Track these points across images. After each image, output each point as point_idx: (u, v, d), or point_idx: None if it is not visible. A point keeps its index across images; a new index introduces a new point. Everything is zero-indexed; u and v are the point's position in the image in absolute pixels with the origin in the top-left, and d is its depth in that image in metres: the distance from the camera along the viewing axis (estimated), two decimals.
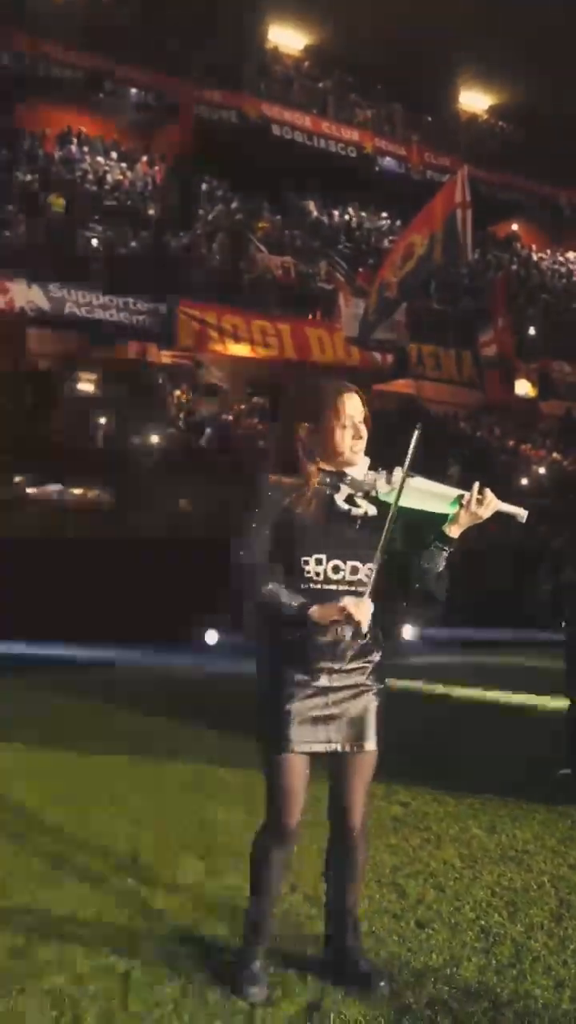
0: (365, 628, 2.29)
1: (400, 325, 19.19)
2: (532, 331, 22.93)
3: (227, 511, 5.76)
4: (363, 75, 25.00)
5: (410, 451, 2.31)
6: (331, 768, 2.46)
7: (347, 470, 2.40)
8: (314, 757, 2.39)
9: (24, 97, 20.26)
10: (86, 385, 17.82)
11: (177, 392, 18.19)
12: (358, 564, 2.36)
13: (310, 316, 19.50)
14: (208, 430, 16.50)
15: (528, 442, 22.76)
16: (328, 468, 2.41)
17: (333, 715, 2.36)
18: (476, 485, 2.36)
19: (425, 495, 2.37)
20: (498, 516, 2.41)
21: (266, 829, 2.44)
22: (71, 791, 4.54)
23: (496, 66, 25.91)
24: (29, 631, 9.39)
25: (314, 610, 2.25)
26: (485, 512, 2.34)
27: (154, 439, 15.76)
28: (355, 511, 2.38)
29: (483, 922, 2.99)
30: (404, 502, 2.32)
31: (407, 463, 2.32)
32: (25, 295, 15.85)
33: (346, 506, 2.38)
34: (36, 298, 15.91)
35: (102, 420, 16.20)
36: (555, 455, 21.89)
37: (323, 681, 2.36)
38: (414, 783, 4.65)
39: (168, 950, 2.71)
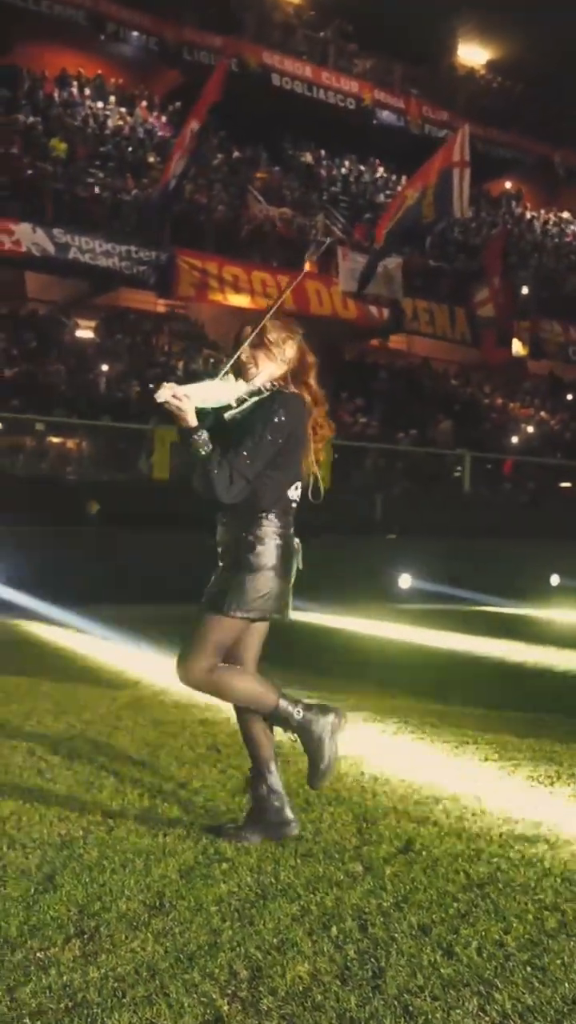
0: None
1: (397, 281, 19.39)
2: (525, 290, 23.19)
3: None
4: (363, 25, 24.81)
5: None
6: None
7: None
8: None
9: (23, 36, 20.02)
10: (85, 332, 17.99)
11: (175, 341, 18.40)
12: None
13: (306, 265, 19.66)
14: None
15: (516, 400, 23.23)
16: None
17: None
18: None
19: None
20: None
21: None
22: None
23: (495, 20, 25.78)
24: None
25: None
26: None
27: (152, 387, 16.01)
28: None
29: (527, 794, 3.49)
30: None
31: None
32: (30, 238, 15.91)
33: None
34: (42, 241, 15.97)
35: (104, 367, 16.41)
36: (543, 414, 22.39)
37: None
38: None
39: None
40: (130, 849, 2.89)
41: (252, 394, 2.87)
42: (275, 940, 2.27)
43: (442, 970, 2.14)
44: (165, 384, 2.77)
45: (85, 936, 2.28)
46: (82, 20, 20.53)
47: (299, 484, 2.96)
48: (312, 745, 2.93)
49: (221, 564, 2.95)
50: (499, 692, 5.79)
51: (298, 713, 2.91)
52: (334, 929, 2.33)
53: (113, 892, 2.54)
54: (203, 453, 2.75)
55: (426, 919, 2.41)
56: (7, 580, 9.40)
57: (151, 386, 10.37)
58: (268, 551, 2.84)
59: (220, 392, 2.84)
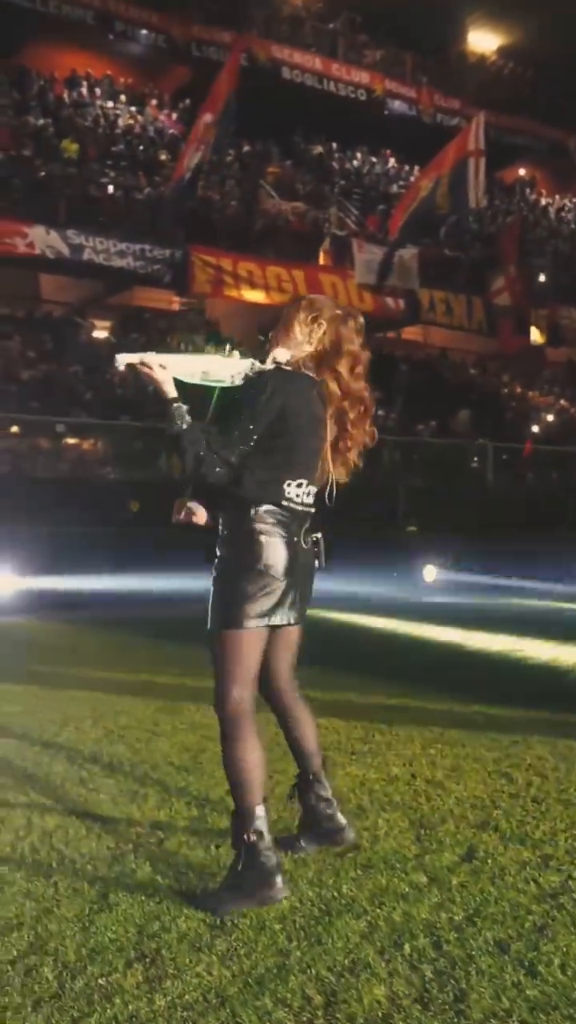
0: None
1: (413, 271, 19.22)
2: (542, 278, 22.94)
3: None
4: (371, 15, 24.60)
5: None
6: None
7: None
8: None
9: (33, 37, 19.95)
10: (101, 332, 17.93)
11: (192, 339, 18.29)
12: None
13: (319, 260, 19.56)
14: None
15: (535, 389, 22.99)
16: None
17: None
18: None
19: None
20: None
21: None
22: None
23: (504, 5, 25.50)
24: None
25: None
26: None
27: None
28: None
29: None
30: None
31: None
32: (44, 240, 15.83)
33: None
34: (55, 243, 15.90)
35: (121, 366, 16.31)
36: (562, 402, 22.15)
37: None
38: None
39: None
40: (183, 863, 2.79)
41: (251, 372, 2.60)
42: (346, 961, 2.16)
43: (527, 991, 2.02)
44: (128, 355, 2.52)
45: (147, 960, 2.17)
46: (90, 20, 20.42)
47: (305, 482, 2.61)
48: (234, 874, 2.48)
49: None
50: (544, 690, 5.64)
51: (255, 836, 2.47)
52: (407, 947, 2.22)
53: (171, 910, 2.43)
54: (177, 426, 2.47)
55: (502, 934, 2.29)
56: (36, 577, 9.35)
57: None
58: (252, 549, 2.52)
59: (214, 367, 2.59)
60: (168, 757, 4.00)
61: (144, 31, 21.20)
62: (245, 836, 2.47)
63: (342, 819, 2.88)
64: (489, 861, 2.76)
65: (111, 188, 17.65)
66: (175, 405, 2.50)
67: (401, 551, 12.54)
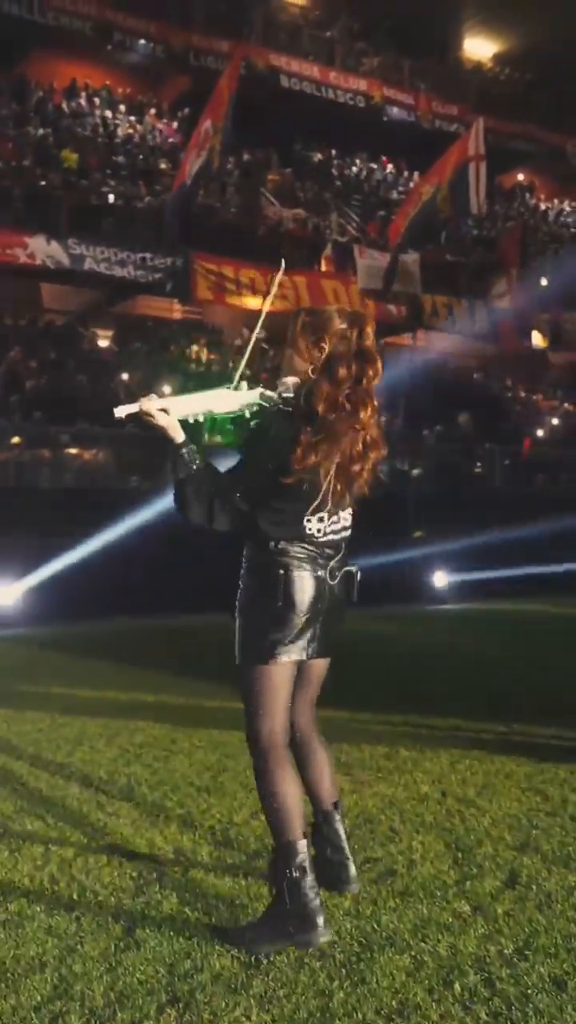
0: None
1: (415, 276, 19.14)
2: (544, 282, 22.86)
3: None
4: (368, 23, 24.63)
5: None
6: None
7: None
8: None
9: (32, 48, 19.91)
10: (103, 341, 17.84)
11: (194, 347, 18.20)
12: None
13: (320, 267, 19.49)
14: None
15: (539, 392, 22.90)
16: None
17: None
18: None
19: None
20: None
21: None
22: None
23: (499, 12, 25.52)
24: None
25: None
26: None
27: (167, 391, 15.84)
28: None
29: None
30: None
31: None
32: (45, 250, 15.75)
33: None
34: (56, 253, 15.81)
35: (124, 376, 16.24)
36: (567, 405, 22.04)
37: None
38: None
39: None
40: (211, 893, 2.65)
41: (260, 402, 2.45)
42: (394, 1002, 2.02)
43: None
44: (126, 407, 2.40)
45: (180, 1004, 2.04)
46: (89, 30, 20.37)
47: (326, 514, 2.41)
48: (272, 913, 2.33)
49: None
50: (570, 699, 5.50)
51: (297, 874, 2.31)
52: (456, 985, 2.08)
53: (202, 947, 2.30)
54: (182, 475, 2.37)
55: (557, 969, 2.15)
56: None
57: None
58: (272, 584, 2.39)
59: (221, 402, 2.45)
60: (188, 777, 3.86)
61: (143, 41, 21.16)
62: (287, 873, 2.31)
63: (353, 870, 2.63)
64: (534, 887, 2.63)
65: (112, 197, 17.59)
66: (182, 451, 2.39)
67: (408, 557, 12.40)
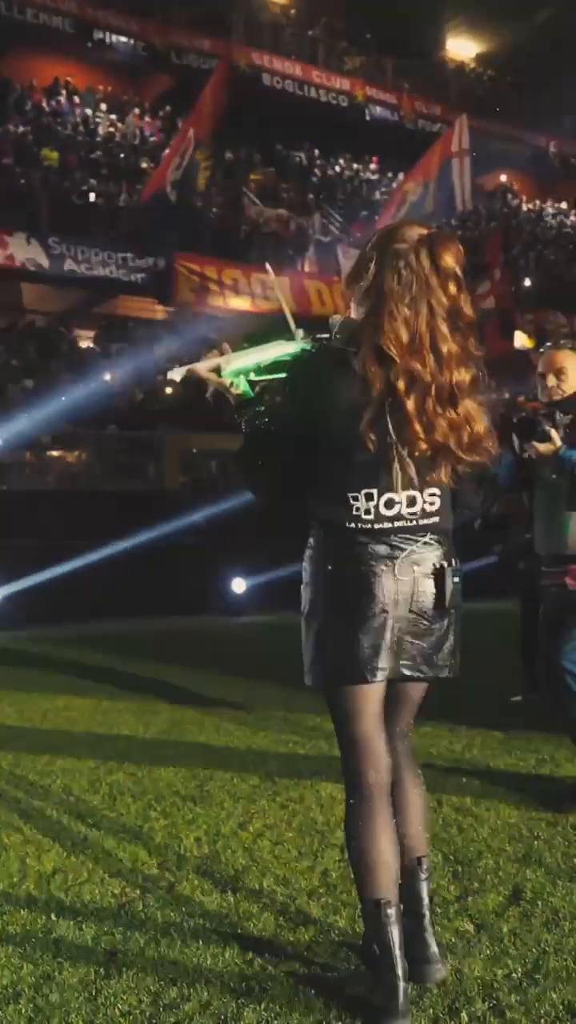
0: None
1: None
2: (527, 282, 22.86)
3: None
4: (351, 22, 24.57)
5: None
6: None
7: None
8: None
9: (11, 46, 19.70)
10: (84, 342, 17.64)
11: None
12: None
13: (303, 267, 19.36)
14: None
15: (521, 394, 22.87)
16: None
17: None
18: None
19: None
20: None
21: None
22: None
23: (482, 13, 25.57)
24: None
25: None
26: None
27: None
28: None
29: None
30: None
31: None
32: (24, 251, 15.53)
33: None
34: (36, 254, 15.60)
35: (107, 376, 16.04)
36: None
37: None
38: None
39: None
40: (198, 912, 2.49)
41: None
42: None
43: None
44: (179, 368, 2.16)
45: None
46: (69, 28, 20.23)
47: (376, 492, 1.90)
48: (363, 977, 1.99)
49: None
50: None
51: (383, 932, 1.90)
52: (463, 1015, 1.94)
53: (190, 973, 2.14)
54: (241, 442, 2.04)
55: (570, 995, 2.01)
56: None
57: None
58: (313, 587, 2.00)
59: (277, 352, 2.13)
60: (173, 786, 3.70)
61: (124, 39, 21.02)
62: (371, 940, 1.93)
63: (434, 945, 2.07)
64: (539, 903, 2.49)
65: (92, 196, 17.39)
66: (240, 413, 2.06)
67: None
